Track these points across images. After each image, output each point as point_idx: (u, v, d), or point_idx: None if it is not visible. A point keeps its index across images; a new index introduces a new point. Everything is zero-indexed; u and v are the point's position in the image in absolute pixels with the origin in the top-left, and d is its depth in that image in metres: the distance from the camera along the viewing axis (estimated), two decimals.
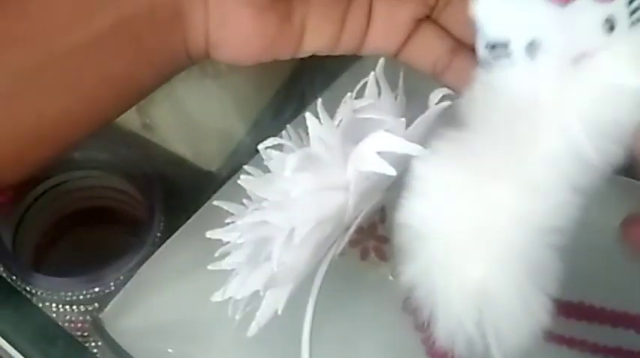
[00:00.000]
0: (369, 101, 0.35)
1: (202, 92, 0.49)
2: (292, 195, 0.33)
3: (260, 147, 0.35)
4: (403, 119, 0.34)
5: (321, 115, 0.34)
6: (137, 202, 0.46)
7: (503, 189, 0.30)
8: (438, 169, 0.31)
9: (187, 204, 0.47)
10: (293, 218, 0.33)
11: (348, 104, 0.34)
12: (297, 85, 0.52)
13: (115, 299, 0.42)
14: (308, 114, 0.34)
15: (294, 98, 0.51)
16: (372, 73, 0.36)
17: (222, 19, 0.34)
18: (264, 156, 0.35)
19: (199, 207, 0.45)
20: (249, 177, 0.35)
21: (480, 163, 0.30)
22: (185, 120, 0.48)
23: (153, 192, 0.44)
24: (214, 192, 0.46)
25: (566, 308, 0.42)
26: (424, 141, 0.36)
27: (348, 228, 0.36)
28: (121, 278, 0.43)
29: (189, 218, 0.45)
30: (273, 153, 0.34)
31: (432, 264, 0.30)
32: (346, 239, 0.36)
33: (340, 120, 0.34)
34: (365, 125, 0.35)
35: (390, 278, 0.42)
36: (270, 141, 0.35)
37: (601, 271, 0.42)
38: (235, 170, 0.48)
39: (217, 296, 0.37)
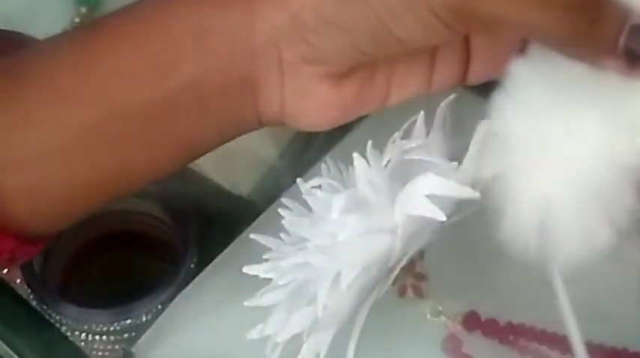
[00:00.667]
0: (418, 142, 0.34)
1: None
2: (339, 238, 0.32)
3: (301, 186, 0.34)
4: (454, 163, 0.33)
5: (369, 156, 0.33)
6: (170, 229, 0.45)
7: (590, 118, 0.30)
8: (532, 78, 0.31)
9: (219, 230, 0.47)
10: (339, 261, 0.33)
11: (396, 144, 0.34)
12: None
13: (148, 332, 0.41)
14: (356, 155, 0.33)
15: None
16: (421, 111, 0.35)
17: (299, 89, 0.33)
18: (304, 194, 0.34)
19: (231, 234, 0.44)
20: (294, 218, 0.34)
21: (574, 85, 0.30)
22: None
23: (188, 223, 0.44)
24: (245, 218, 0.45)
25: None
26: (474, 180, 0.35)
27: (392, 270, 0.35)
28: (154, 310, 0.42)
29: (221, 245, 0.44)
30: (319, 193, 0.34)
31: (508, 165, 0.32)
32: (390, 281, 0.36)
33: (388, 161, 0.34)
34: (413, 166, 0.34)
35: (428, 316, 0.41)
36: (314, 181, 0.34)
37: None
38: (267, 195, 0.47)
39: (254, 334, 0.36)
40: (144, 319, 0.42)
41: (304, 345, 0.34)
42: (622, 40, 0.27)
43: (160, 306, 0.42)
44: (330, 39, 0.31)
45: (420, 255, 0.41)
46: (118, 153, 0.33)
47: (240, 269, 0.40)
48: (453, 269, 0.42)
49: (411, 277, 0.41)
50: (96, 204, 0.34)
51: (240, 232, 0.44)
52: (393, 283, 0.40)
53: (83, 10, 0.53)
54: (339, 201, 0.32)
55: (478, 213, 0.40)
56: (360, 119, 0.46)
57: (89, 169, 0.32)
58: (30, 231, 0.33)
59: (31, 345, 0.39)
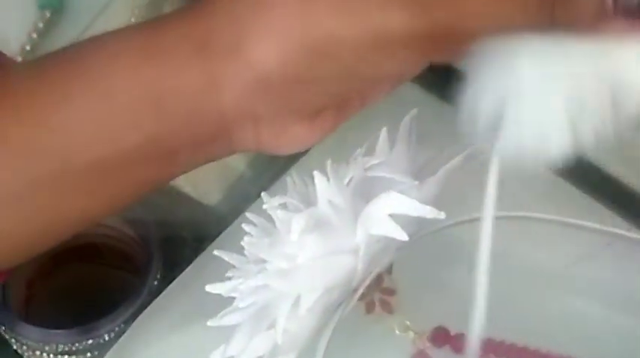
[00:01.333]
0: (381, 158, 0.33)
1: None
2: (299, 261, 0.32)
3: (266, 205, 0.33)
4: (416, 182, 0.32)
5: (330, 174, 0.32)
6: (132, 240, 0.44)
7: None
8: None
9: (186, 241, 0.46)
10: (298, 285, 0.32)
11: (358, 162, 0.33)
12: None
13: (110, 352, 0.40)
14: (316, 173, 0.32)
15: None
16: (384, 128, 0.34)
17: (275, 133, 0.32)
18: (268, 210, 0.33)
19: (199, 244, 0.44)
20: (252, 239, 0.33)
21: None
22: None
23: (151, 240, 0.43)
24: (213, 227, 0.44)
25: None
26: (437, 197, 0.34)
27: (355, 291, 0.35)
28: (116, 329, 0.41)
29: (188, 255, 0.43)
30: (279, 213, 0.33)
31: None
32: (353, 302, 0.35)
33: (350, 179, 0.33)
34: (376, 183, 0.33)
35: (397, 332, 0.40)
36: (276, 199, 0.33)
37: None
38: (235, 204, 0.46)
39: (217, 355, 0.35)
40: (107, 338, 0.41)
41: None
42: (609, 2, 0.27)
43: (123, 325, 0.41)
44: (300, 92, 0.30)
45: (389, 269, 0.41)
46: (73, 201, 0.32)
47: (204, 287, 0.39)
48: (422, 284, 0.41)
49: (378, 292, 0.41)
50: (52, 243, 0.34)
51: (208, 242, 0.43)
52: (360, 299, 0.40)
53: (47, 14, 0.52)
54: (298, 222, 0.32)
55: (447, 227, 0.39)
56: None
57: (42, 215, 0.32)
58: None
59: None
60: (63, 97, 0.31)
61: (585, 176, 0.44)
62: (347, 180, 0.33)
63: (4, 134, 0.31)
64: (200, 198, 0.47)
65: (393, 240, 0.33)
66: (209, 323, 0.35)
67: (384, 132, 0.34)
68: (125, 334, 0.41)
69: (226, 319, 0.35)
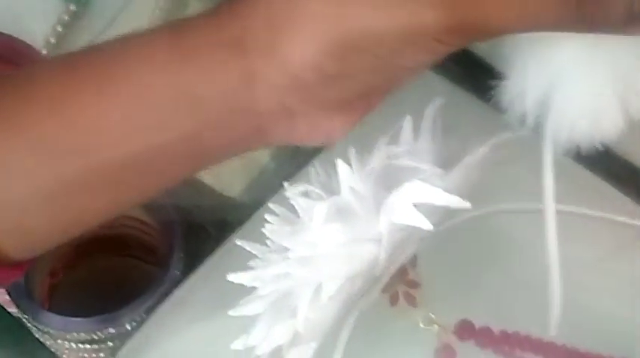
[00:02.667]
0: (405, 147, 0.33)
1: None
2: (320, 250, 0.31)
3: (287, 193, 0.33)
4: (440, 170, 0.32)
5: (353, 162, 0.32)
6: (156, 232, 0.44)
7: None
8: None
9: (209, 232, 0.46)
10: (320, 273, 0.32)
11: (382, 150, 0.32)
12: None
13: (131, 341, 0.41)
14: (339, 161, 0.32)
15: None
16: (408, 116, 0.34)
17: (310, 126, 0.32)
18: (290, 199, 0.33)
19: (222, 236, 0.43)
20: (274, 227, 0.33)
21: None
22: None
23: (173, 230, 0.43)
24: (236, 220, 0.44)
25: None
26: (461, 187, 0.34)
27: (379, 280, 0.34)
28: (138, 318, 0.41)
29: (211, 248, 0.43)
30: (301, 201, 0.32)
31: None
32: (376, 292, 0.35)
33: (373, 168, 0.32)
34: (399, 172, 0.33)
35: (421, 325, 0.40)
36: (298, 188, 0.33)
37: None
38: (258, 197, 0.46)
39: (237, 345, 0.35)
40: (128, 327, 0.41)
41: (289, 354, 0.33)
42: (637, 6, 0.26)
43: (144, 314, 0.41)
44: (335, 88, 0.31)
45: (413, 262, 0.40)
46: (102, 196, 0.33)
47: (226, 277, 0.39)
48: (447, 277, 0.40)
49: (403, 285, 0.40)
50: (78, 233, 0.35)
51: (230, 234, 0.43)
52: (385, 291, 0.39)
53: (72, 7, 0.52)
54: (320, 210, 0.31)
55: (472, 219, 0.39)
56: None
57: (72, 211, 0.33)
58: (12, 259, 0.34)
59: (12, 355, 0.39)
60: (97, 95, 0.31)
61: (614, 169, 0.43)
62: (370, 168, 0.32)
63: (39, 132, 0.31)
64: (222, 190, 0.47)
65: (417, 229, 0.32)
66: (230, 313, 0.35)
67: (408, 121, 0.33)
68: (146, 323, 0.41)
69: (247, 308, 0.35)
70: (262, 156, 0.48)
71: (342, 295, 0.32)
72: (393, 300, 0.40)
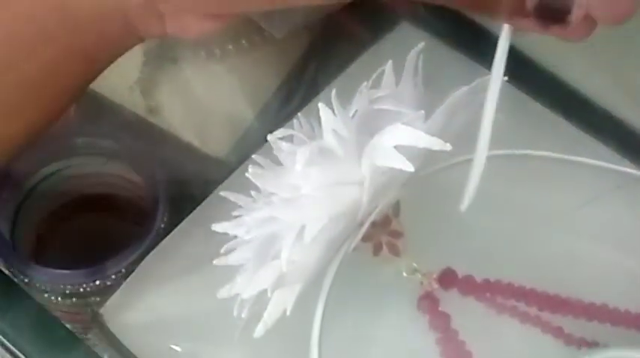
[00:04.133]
0: (386, 91, 0.33)
1: (209, 75, 0.48)
2: (303, 191, 0.32)
3: (269, 137, 0.33)
4: (422, 112, 0.32)
5: (334, 106, 0.33)
6: (141, 190, 0.45)
7: None
8: None
9: (193, 192, 0.46)
10: (303, 215, 0.32)
11: (364, 94, 0.33)
12: (308, 69, 0.50)
13: (116, 293, 0.41)
14: (321, 105, 0.32)
15: (305, 82, 0.50)
16: (390, 61, 0.34)
17: (180, 27, 0.34)
18: (274, 147, 0.33)
19: (206, 196, 0.44)
20: (258, 170, 0.33)
21: None
22: (191, 105, 0.47)
23: (157, 182, 0.43)
24: (219, 179, 0.44)
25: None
26: (443, 131, 0.34)
27: (361, 224, 0.35)
28: (123, 271, 0.41)
29: (194, 208, 0.43)
30: (284, 145, 0.33)
31: None
32: (359, 236, 0.35)
33: (355, 111, 0.33)
34: (381, 117, 0.33)
35: (404, 274, 0.40)
36: (281, 131, 0.33)
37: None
38: (244, 157, 0.46)
39: (223, 293, 0.36)
40: (114, 280, 0.41)
41: (270, 301, 0.34)
42: (530, 2, 0.28)
43: (129, 266, 0.41)
44: None
45: (396, 211, 0.41)
46: (19, 116, 0.34)
47: (210, 230, 0.40)
48: (430, 226, 0.41)
49: (386, 234, 0.41)
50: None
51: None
52: (368, 241, 0.40)
53: None
54: (303, 153, 0.32)
55: (454, 167, 0.39)
56: (334, 77, 0.46)
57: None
58: None
59: None
60: None
61: (594, 120, 0.44)
62: (352, 112, 0.33)
63: None
64: (208, 151, 0.47)
65: (399, 172, 0.33)
66: (215, 262, 0.36)
67: (389, 66, 0.34)
68: (131, 275, 0.41)
69: (233, 256, 0.35)
70: (247, 116, 0.48)
71: (325, 237, 0.33)
72: (377, 250, 0.41)
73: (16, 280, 0.42)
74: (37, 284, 0.41)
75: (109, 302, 0.41)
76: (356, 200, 0.33)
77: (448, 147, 0.32)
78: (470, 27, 0.46)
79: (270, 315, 0.34)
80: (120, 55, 0.35)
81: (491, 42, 0.31)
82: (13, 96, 0.33)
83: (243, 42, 0.48)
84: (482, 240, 0.41)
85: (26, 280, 0.41)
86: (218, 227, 0.36)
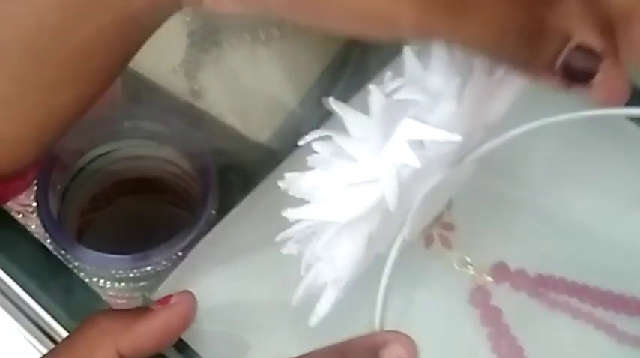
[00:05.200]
0: (402, 81, 0.33)
1: (253, 59, 0.48)
2: (328, 192, 0.33)
3: (300, 142, 0.34)
4: (431, 102, 0.33)
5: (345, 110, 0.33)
6: (188, 175, 0.45)
7: None
8: None
9: (237, 177, 0.46)
10: (334, 214, 0.32)
11: (381, 86, 0.33)
12: (353, 55, 0.50)
13: (167, 280, 0.41)
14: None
15: (350, 68, 0.50)
16: (406, 47, 0.34)
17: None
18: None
19: (250, 181, 0.44)
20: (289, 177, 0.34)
21: None
22: (235, 88, 0.47)
23: (207, 169, 0.43)
24: (264, 165, 0.44)
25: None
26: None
27: (409, 212, 0.35)
28: (174, 257, 0.41)
29: (239, 193, 0.43)
30: (313, 150, 0.34)
31: None
32: (410, 222, 0.35)
33: (377, 106, 0.33)
34: (399, 108, 0.33)
35: (456, 267, 0.40)
36: (312, 135, 0.34)
37: None
38: (286, 142, 0.46)
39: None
40: (164, 266, 0.41)
41: (323, 294, 0.34)
42: (559, 61, 0.29)
43: (180, 253, 0.42)
44: None
45: (448, 204, 0.41)
46: (62, 92, 0.34)
47: (262, 217, 0.40)
48: (482, 220, 0.41)
49: (438, 227, 0.41)
50: (53, 139, 0.36)
51: (259, 179, 0.43)
52: (420, 234, 0.40)
53: None
54: (324, 154, 0.33)
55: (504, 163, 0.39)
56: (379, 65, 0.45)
57: (36, 114, 0.34)
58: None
59: (49, 290, 0.39)
60: None
61: None
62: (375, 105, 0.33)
63: None
64: (251, 135, 0.47)
65: (441, 158, 0.33)
66: (278, 239, 0.35)
67: (407, 52, 0.33)
68: (182, 263, 0.41)
69: (289, 246, 0.35)
70: (290, 102, 0.48)
71: (360, 233, 0.33)
72: (428, 242, 0.41)
73: (64, 262, 0.42)
74: (86, 267, 0.41)
75: (160, 288, 0.41)
76: (379, 197, 0.33)
77: (457, 138, 0.32)
78: None
79: (322, 307, 0.35)
80: (163, 22, 0.35)
81: None
82: (66, 64, 0.33)
83: (288, 26, 0.48)
84: (535, 233, 0.41)
85: (77, 262, 0.41)
86: (289, 213, 0.35)
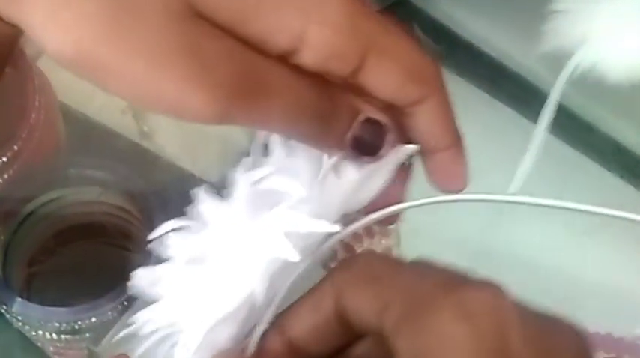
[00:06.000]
0: (270, 169, 0.29)
1: None
2: (181, 295, 0.29)
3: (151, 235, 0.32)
4: (304, 192, 0.30)
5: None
6: (136, 219, 0.43)
7: None
8: None
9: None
10: (187, 318, 0.30)
11: (244, 178, 0.29)
12: None
13: (112, 330, 0.40)
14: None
15: None
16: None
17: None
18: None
19: None
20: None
21: None
22: (184, 128, 0.45)
23: (151, 211, 0.41)
24: None
25: None
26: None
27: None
28: (119, 307, 0.41)
29: None
30: (170, 240, 0.32)
31: None
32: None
33: (238, 198, 0.29)
34: (266, 198, 0.30)
35: None
36: (167, 225, 0.32)
37: None
38: None
39: None
40: (110, 316, 0.41)
41: None
42: (348, 137, 0.30)
43: (125, 303, 0.41)
44: None
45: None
46: None
47: None
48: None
49: None
50: None
51: None
52: None
53: None
54: (184, 250, 0.31)
55: None
56: None
57: None
58: None
59: None
60: None
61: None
62: (235, 198, 0.29)
63: None
64: (201, 175, 0.46)
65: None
66: None
67: (275, 138, 0.30)
68: (127, 312, 0.40)
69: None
70: (241, 140, 0.47)
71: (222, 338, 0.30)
72: None
73: (8, 316, 0.42)
74: (31, 321, 0.42)
75: (106, 339, 0.41)
76: (247, 294, 0.29)
77: (336, 228, 0.30)
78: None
79: None
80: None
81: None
82: None
83: None
84: None
85: (20, 316, 0.42)
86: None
